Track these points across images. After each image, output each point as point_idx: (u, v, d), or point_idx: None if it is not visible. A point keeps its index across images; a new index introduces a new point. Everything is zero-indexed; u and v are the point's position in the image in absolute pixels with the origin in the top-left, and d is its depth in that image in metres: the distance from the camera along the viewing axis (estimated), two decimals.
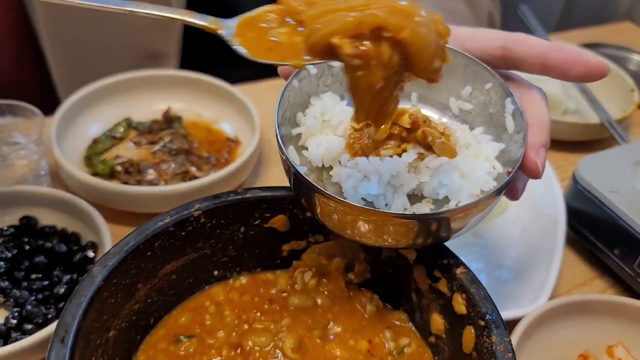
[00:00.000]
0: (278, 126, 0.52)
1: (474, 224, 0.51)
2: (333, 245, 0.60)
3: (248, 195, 0.58)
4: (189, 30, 1.05)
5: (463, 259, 0.74)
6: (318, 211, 0.51)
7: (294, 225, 0.60)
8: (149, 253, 0.54)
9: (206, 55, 1.13)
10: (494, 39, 0.54)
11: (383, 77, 0.41)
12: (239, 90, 0.89)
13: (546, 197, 0.80)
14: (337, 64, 0.57)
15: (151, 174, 0.80)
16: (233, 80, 1.01)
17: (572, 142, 0.99)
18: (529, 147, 0.49)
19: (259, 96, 0.94)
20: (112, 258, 0.51)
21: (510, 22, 1.33)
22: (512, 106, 0.52)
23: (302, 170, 0.51)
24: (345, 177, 0.51)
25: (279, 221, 0.60)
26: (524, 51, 0.52)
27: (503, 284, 0.72)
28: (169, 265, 0.56)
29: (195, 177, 0.81)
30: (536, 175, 0.49)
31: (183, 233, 0.56)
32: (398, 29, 0.39)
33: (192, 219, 0.56)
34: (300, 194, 0.53)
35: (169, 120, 0.88)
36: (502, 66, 0.54)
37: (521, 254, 0.76)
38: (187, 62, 1.07)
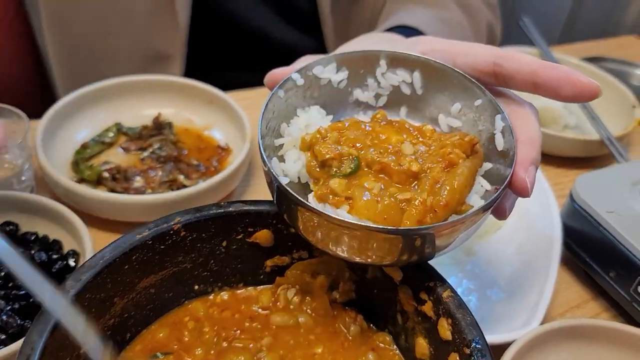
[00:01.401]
0: (262, 136, 0.51)
1: (461, 242, 0.50)
2: (318, 263, 0.59)
3: (231, 209, 0.56)
4: (195, 33, 1.04)
5: (454, 278, 0.72)
6: (301, 226, 0.50)
7: (278, 240, 0.59)
8: (126, 267, 0.52)
9: (212, 58, 1.13)
10: (485, 54, 0.52)
11: None
12: (231, 97, 0.88)
13: (543, 215, 0.78)
14: (325, 77, 0.55)
15: (138, 181, 0.79)
16: (239, 84, 1.00)
17: (571, 157, 0.97)
18: (517, 165, 0.48)
19: (254, 102, 0.91)
20: (86, 272, 0.49)
21: (512, 33, 1.31)
22: (502, 123, 0.51)
23: (284, 181, 0.50)
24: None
25: (262, 236, 0.58)
26: (515, 68, 0.50)
27: (495, 305, 0.70)
28: (147, 279, 0.54)
29: (184, 186, 0.79)
30: (525, 193, 0.48)
31: (162, 247, 0.54)
32: None
33: (171, 232, 0.54)
34: (283, 207, 0.51)
35: (159, 127, 0.86)
36: (493, 83, 0.53)
37: (515, 273, 0.74)
38: (193, 64, 1.06)
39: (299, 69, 0.55)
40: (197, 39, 1.05)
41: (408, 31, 0.81)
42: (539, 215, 0.78)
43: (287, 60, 0.61)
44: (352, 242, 0.47)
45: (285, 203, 0.50)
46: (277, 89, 0.53)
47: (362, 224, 0.45)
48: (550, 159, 0.97)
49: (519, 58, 0.51)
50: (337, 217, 0.45)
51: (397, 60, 0.55)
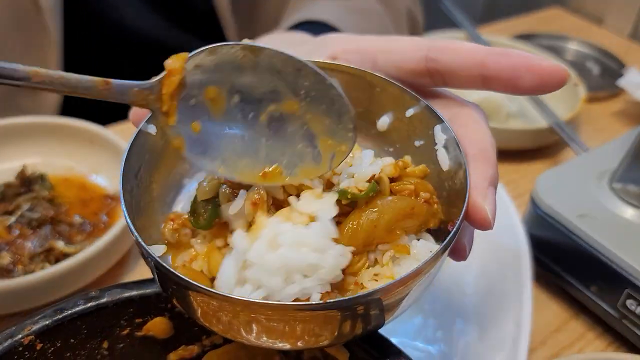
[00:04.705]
0: (125, 191, 0.38)
1: (414, 300, 0.38)
2: (237, 348, 0.45)
3: (105, 299, 0.42)
4: (73, 49, 0.87)
5: (412, 325, 0.60)
6: (198, 313, 0.36)
7: (180, 327, 0.45)
8: None
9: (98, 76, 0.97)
10: (413, 49, 0.41)
11: None
12: (117, 133, 0.72)
13: (503, 226, 0.66)
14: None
15: (4, 257, 0.62)
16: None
17: (520, 150, 0.86)
18: (473, 190, 0.37)
19: None
20: None
21: (434, 18, 1.21)
22: (443, 135, 0.40)
23: (160, 251, 0.38)
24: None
25: (157, 326, 0.44)
26: (455, 61, 0.40)
27: (466, 345, 0.58)
28: None
29: (65, 255, 0.62)
30: (486, 225, 0.37)
31: None
32: None
33: (21, 349, 0.39)
34: (168, 290, 0.38)
35: (27, 181, 0.69)
36: (428, 84, 0.42)
37: (482, 301, 0.62)
38: None
39: None
40: (76, 56, 0.89)
41: (317, 27, 0.68)
42: (498, 226, 0.66)
43: None
44: (271, 327, 0.34)
45: (169, 285, 0.36)
46: (145, 124, 0.40)
47: (280, 303, 0.33)
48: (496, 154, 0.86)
49: (459, 48, 0.40)
50: (242, 297, 0.33)
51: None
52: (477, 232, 0.68)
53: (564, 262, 0.62)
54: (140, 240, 0.36)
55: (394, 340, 0.57)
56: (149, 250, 0.35)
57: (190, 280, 0.33)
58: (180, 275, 0.33)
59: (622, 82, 0.94)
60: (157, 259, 0.34)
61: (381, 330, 0.57)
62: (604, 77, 1.07)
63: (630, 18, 1.19)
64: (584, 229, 0.59)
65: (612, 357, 0.53)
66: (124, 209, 0.37)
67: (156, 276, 0.37)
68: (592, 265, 0.59)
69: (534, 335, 0.62)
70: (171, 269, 0.34)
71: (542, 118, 0.86)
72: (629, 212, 0.61)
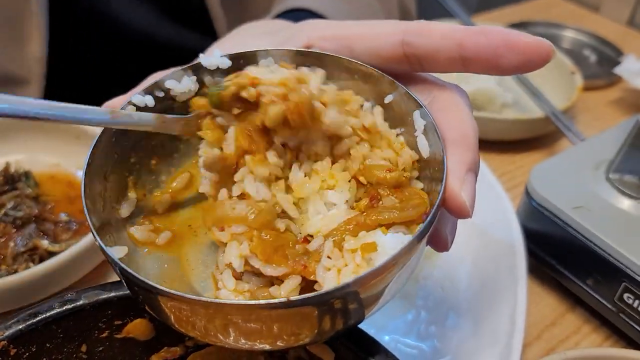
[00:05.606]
0: (87, 195, 0.36)
1: (395, 292, 0.37)
2: (220, 350, 0.43)
3: (82, 302, 0.40)
4: (55, 48, 0.85)
5: (402, 321, 0.58)
6: (172, 319, 0.35)
7: (161, 328, 0.43)
8: None
9: (79, 77, 0.95)
10: (388, 33, 0.39)
11: None
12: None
13: (496, 218, 0.65)
14: (184, 91, 0.41)
15: None
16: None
17: (515, 140, 0.85)
18: (450, 175, 0.35)
19: None
20: None
21: (427, 7, 1.19)
22: (422, 121, 0.38)
23: (121, 253, 0.36)
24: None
25: (137, 328, 0.42)
26: (431, 44, 0.37)
27: (459, 341, 0.57)
28: None
29: (50, 253, 0.61)
30: (464, 213, 0.35)
31: None
32: None
33: None
34: (139, 297, 0.36)
35: (12, 179, 0.68)
36: (407, 70, 0.40)
37: (475, 296, 0.61)
38: (55, 87, 0.88)
39: (145, 89, 0.41)
40: (64, 49, 0.87)
41: (303, 15, 0.67)
42: (491, 219, 0.65)
43: (178, 65, 0.46)
44: (247, 328, 0.33)
45: (137, 290, 0.35)
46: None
47: (252, 303, 0.32)
48: (490, 145, 0.84)
49: (434, 29, 0.38)
50: (214, 300, 0.32)
51: (279, 59, 0.41)
52: (471, 225, 0.67)
53: (559, 255, 0.61)
54: (102, 244, 0.34)
55: (385, 338, 0.56)
56: (113, 257, 0.34)
57: (157, 285, 0.32)
58: (146, 281, 0.32)
59: (620, 70, 0.92)
60: (123, 265, 0.33)
61: (371, 327, 0.56)
62: (601, 65, 1.05)
63: (627, 5, 1.17)
64: (579, 221, 0.57)
65: (608, 353, 0.51)
66: (86, 211, 0.35)
67: (124, 282, 0.36)
68: (588, 258, 0.57)
69: (529, 330, 0.61)
70: (136, 275, 0.32)
71: (538, 107, 0.84)
72: (626, 203, 0.59)
